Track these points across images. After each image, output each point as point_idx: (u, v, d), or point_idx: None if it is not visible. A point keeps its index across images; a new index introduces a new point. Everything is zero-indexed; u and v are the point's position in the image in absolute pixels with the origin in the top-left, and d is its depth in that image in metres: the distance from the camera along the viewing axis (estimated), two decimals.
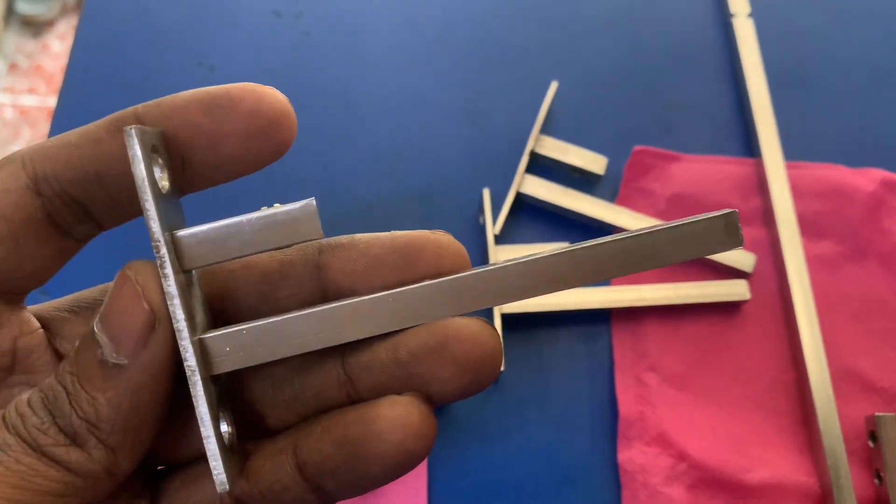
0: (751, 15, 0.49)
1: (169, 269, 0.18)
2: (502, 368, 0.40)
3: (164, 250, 0.18)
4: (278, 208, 0.18)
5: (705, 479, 0.39)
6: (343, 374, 0.20)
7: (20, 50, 1.19)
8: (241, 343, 0.18)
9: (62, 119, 0.46)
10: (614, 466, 0.39)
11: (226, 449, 0.19)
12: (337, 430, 0.19)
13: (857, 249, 0.44)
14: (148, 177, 0.17)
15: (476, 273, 0.19)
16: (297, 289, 0.20)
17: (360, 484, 0.19)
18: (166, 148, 0.19)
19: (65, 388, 0.18)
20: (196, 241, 0.18)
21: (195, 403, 0.18)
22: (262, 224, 0.18)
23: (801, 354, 0.41)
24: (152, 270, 0.18)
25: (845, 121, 0.48)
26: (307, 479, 0.19)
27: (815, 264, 0.43)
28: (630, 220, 0.43)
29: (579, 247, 0.18)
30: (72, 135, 0.19)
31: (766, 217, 0.45)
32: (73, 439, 0.18)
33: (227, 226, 0.18)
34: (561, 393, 0.41)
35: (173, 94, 0.19)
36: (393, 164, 0.46)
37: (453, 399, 0.19)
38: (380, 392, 0.20)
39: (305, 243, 0.20)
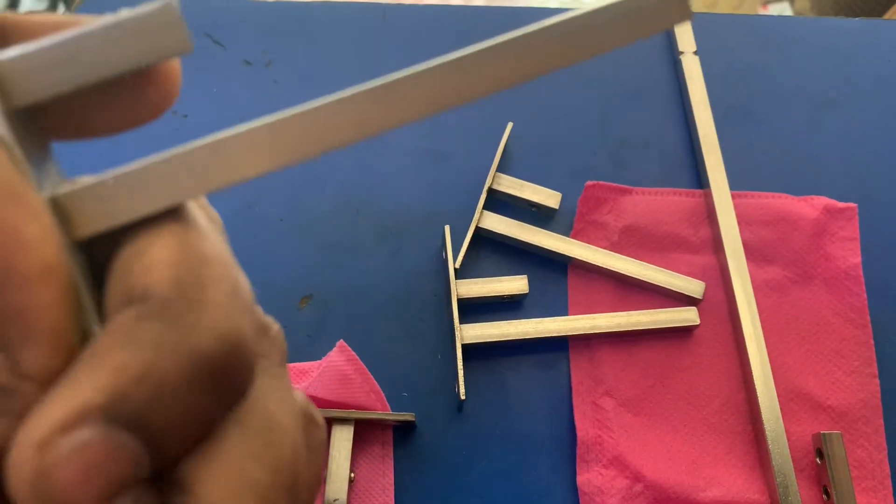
0: (696, 52, 0.52)
1: None
2: (463, 397, 0.41)
3: None
4: (126, 13, 0.14)
5: (661, 500, 0.40)
6: None
7: None
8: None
9: None
10: (574, 489, 0.41)
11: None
12: None
13: (803, 274, 0.46)
14: None
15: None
16: None
17: None
18: None
19: None
20: (25, 65, 0.14)
21: None
22: (107, 36, 0.14)
23: (751, 377, 0.42)
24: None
25: (788, 151, 0.50)
26: None
27: (763, 289, 0.45)
28: (585, 251, 0.45)
29: (502, 40, 0.15)
30: None
31: (716, 245, 0.47)
32: None
33: (63, 43, 0.14)
34: (522, 419, 0.43)
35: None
36: (360, 202, 0.48)
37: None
38: None
39: None
